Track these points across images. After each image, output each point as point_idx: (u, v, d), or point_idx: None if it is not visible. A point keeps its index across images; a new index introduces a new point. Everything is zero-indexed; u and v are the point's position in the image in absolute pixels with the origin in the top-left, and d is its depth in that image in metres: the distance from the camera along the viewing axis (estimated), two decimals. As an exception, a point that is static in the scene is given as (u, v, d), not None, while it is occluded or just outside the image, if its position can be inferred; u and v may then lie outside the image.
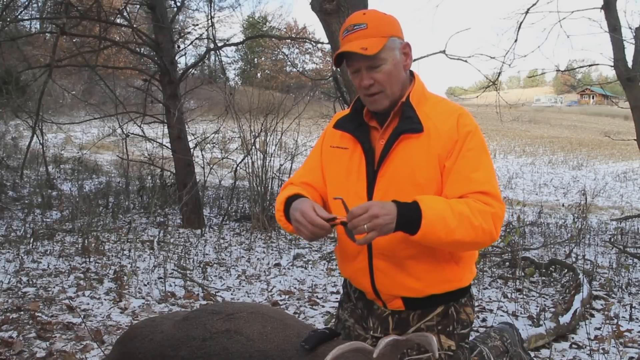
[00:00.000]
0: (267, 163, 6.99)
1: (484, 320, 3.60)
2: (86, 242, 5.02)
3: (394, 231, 1.39)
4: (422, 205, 1.39)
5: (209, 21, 7.97)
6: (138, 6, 7.93)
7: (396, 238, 1.52)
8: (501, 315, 3.68)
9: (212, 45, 8.47)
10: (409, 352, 1.56)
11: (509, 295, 4.24)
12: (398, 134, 1.52)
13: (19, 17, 7.71)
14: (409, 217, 1.39)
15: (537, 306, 3.91)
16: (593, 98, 62.00)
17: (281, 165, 7.59)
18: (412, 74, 1.62)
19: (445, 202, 1.42)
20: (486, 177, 1.49)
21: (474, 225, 1.41)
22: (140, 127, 7.22)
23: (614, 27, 6.61)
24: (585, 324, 3.40)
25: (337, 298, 3.98)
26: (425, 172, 1.50)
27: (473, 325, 1.75)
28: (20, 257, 4.61)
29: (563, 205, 9.35)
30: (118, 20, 7.61)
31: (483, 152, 1.53)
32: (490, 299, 4.14)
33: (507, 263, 5.06)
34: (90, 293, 3.85)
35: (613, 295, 4.25)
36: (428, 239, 1.40)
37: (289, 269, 4.90)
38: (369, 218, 1.36)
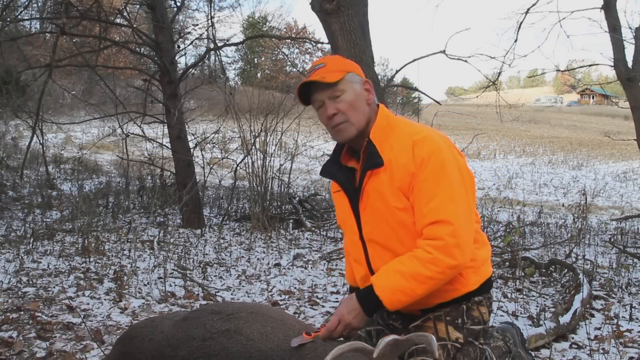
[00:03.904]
0: (267, 163, 6.98)
1: (484, 320, 3.60)
2: (86, 242, 5.02)
3: (369, 315, 1.59)
4: (376, 288, 1.56)
5: (209, 21, 7.98)
6: (138, 6, 7.92)
7: (389, 258, 1.62)
8: (501, 315, 3.67)
9: (212, 45, 8.47)
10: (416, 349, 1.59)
11: (509, 295, 4.24)
12: (364, 171, 1.65)
13: (19, 17, 7.71)
14: (370, 302, 1.56)
15: (537, 306, 3.91)
16: (593, 98, 61.98)
17: (281, 165, 7.58)
18: (378, 106, 1.72)
19: (396, 272, 1.55)
20: (440, 203, 1.54)
21: (427, 276, 1.53)
22: (140, 127, 7.21)
23: (614, 27, 6.60)
24: (585, 324, 3.40)
25: (337, 298, 3.98)
26: (395, 201, 1.60)
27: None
28: (20, 257, 4.61)
29: (563, 205, 9.34)
30: (118, 20, 7.61)
31: (440, 176, 1.55)
32: (490, 299, 4.14)
33: (507, 263, 5.05)
34: (90, 293, 3.84)
35: (613, 295, 4.25)
36: (398, 306, 1.57)
37: (289, 269, 4.90)
38: (343, 327, 1.56)
